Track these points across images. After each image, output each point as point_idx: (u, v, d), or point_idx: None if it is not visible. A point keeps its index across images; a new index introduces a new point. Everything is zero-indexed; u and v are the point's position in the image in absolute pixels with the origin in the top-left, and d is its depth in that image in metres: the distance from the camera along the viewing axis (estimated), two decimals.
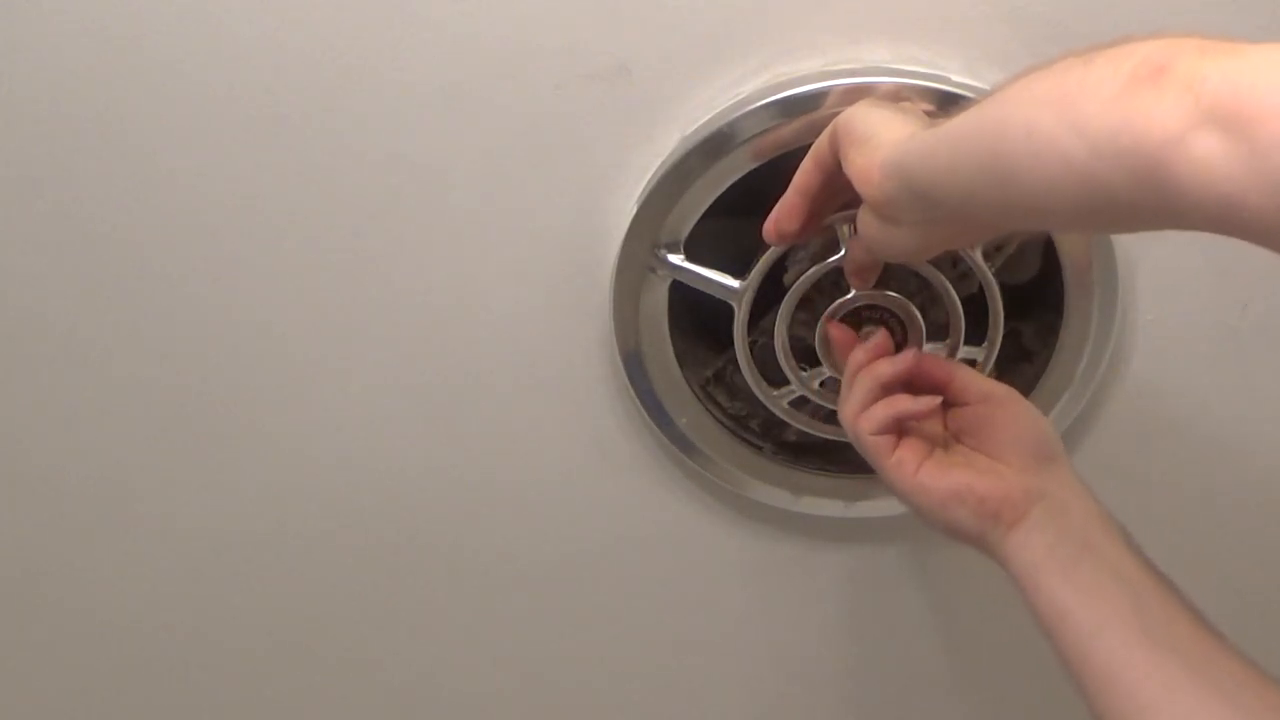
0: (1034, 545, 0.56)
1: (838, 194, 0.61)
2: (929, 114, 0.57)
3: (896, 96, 0.63)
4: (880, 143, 0.52)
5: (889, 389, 0.62)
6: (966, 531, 0.59)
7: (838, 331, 0.67)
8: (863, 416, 0.61)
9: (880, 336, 0.64)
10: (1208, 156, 0.34)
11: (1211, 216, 0.35)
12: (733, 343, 0.70)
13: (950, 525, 0.59)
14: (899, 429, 0.61)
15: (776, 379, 0.71)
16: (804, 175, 0.60)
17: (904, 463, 0.60)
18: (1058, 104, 0.40)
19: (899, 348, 0.67)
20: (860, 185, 0.53)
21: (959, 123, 0.46)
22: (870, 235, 0.55)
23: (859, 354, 0.64)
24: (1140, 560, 0.56)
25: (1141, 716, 0.51)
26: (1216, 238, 0.72)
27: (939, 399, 0.61)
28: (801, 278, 0.67)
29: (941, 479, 0.59)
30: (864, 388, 0.62)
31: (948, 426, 0.62)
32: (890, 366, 0.62)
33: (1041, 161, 0.41)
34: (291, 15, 0.65)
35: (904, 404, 0.61)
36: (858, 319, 0.68)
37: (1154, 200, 0.37)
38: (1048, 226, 0.47)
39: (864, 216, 0.55)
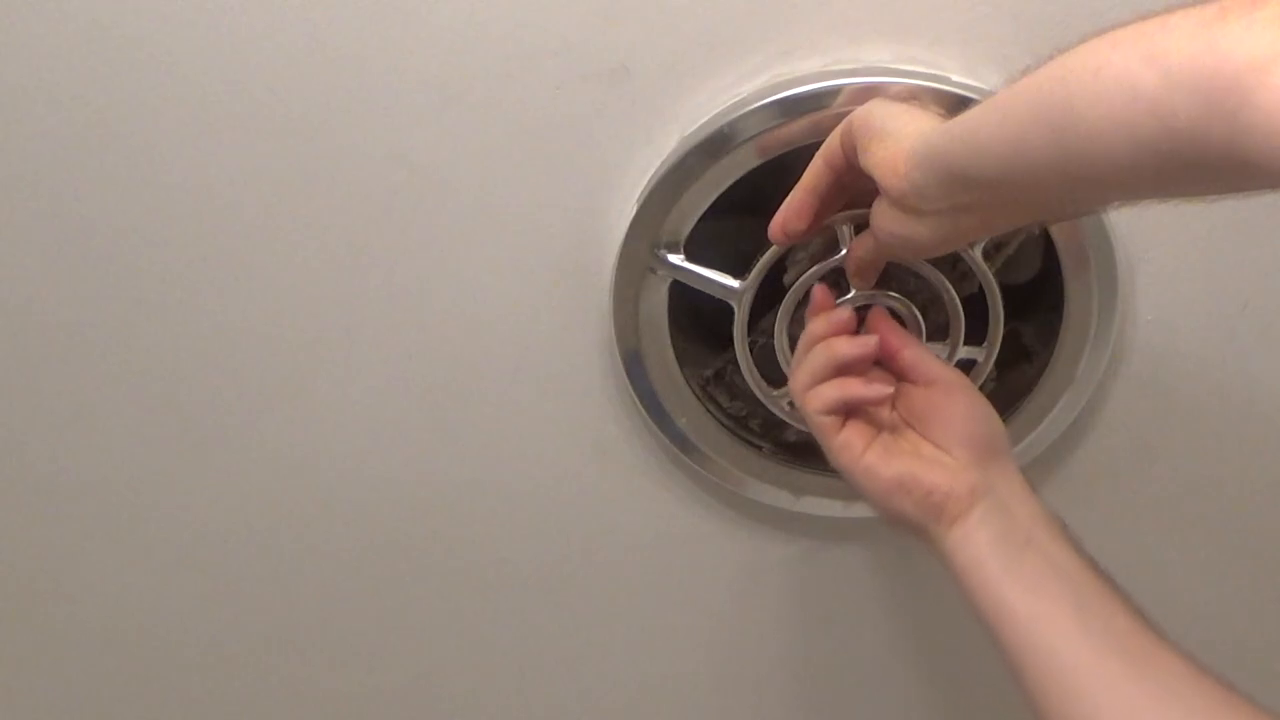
0: (977, 541, 0.56)
1: (844, 193, 0.61)
2: (940, 116, 0.56)
3: (909, 98, 0.63)
4: (905, 134, 0.52)
5: (843, 369, 0.61)
6: (909, 521, 0.59)
7: (820, 294, 0.64)
8: (812, 393, 0.61)
9: (845, 312, 0.63)
10: None
11: (1274, 154, 0.34)
12: (733, 343, 0.70)
13: (894, 513, 0.59)
14: (847, 411, 0.61)
15: (776, 379, 0.71)
16: (813, 174, 0.60)
17: (850, 445, 0.60)
18: (1134, 41, 0.39)
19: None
20: (884, 177, 0.52)
21: (1009, 89, 0.45)
22: (888, 229, 0.54)
23: (819, 324, 0.62)
24: (1082, 557, 0.56)
25: (1081, 710, 0.51)
26: (1216, 237, 0.72)
27: (891, 389, 0.61)
28: (801, 278, 0.67)
29: (887, 465, 0.59)
30: (818, 362, 0.61)
31: (895, 408, 0.62)
32: (850, 348, 0.61)
33: (1107, 97, 0.39)
34: (291, 15, 0.65)
35: (856, 389, 0.60)
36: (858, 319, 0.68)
37: (1220, 134, 0.35)
38: (1096, 189, 0.44)
39: (882, 211, 0.54)
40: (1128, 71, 0.38)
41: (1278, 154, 0.34)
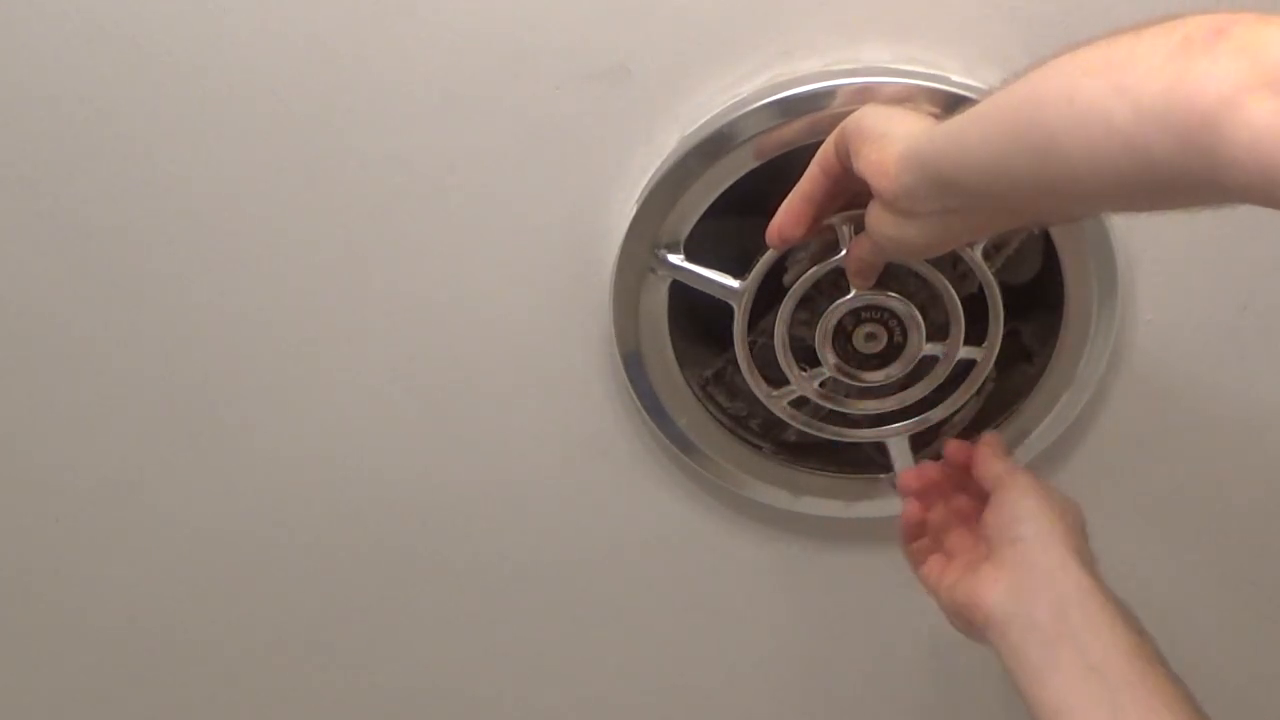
0: (1028, 645, 0.57)
1: (840, 198, 0.61)
2: (935, 116, 0.57)
3: (904, 99, 0.63)
4: (896, 137, 0.52)
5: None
6: (973, 637, 0.61)
7: (953, 449, 0.67)
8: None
9: (935, 469, 0.67)
10: (1262, 119, 0.33)
11: (1256, 184, 0.34)
12: (733, 343, 0.70)
13: (961, 630, 0.62)
14: (935, 541, 0.65)
15: (776, 379, 0.71)
16: (809, 180, 0.60)
17: (929, 574, 0.64)
18: (1103, 70, 0.39)
19: (899, 348, 0.68)
20: (876, 179, 0.53)
21: (989, 102, 0.46)
22: (882, 231, 0.54)
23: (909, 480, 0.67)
24: (1128, 653, 0.55)
25: None
26: (1216, 237, 0.72)
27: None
28: (801, 278, 0.67)
29: (950, 593, 0.62)
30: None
31: (978, 532, 0.63)
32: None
33: (1083, 128, 0.39)
34: (292, 15, 0.65)
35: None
36: (858, 319, 0.68)
37: (1198, 167, 0.36)
38: (1081, 205, 0.46)
39: (875, 213, 0.55)
40: (1100, 103, 0.38)
41: (1256, 185, 0.34)
